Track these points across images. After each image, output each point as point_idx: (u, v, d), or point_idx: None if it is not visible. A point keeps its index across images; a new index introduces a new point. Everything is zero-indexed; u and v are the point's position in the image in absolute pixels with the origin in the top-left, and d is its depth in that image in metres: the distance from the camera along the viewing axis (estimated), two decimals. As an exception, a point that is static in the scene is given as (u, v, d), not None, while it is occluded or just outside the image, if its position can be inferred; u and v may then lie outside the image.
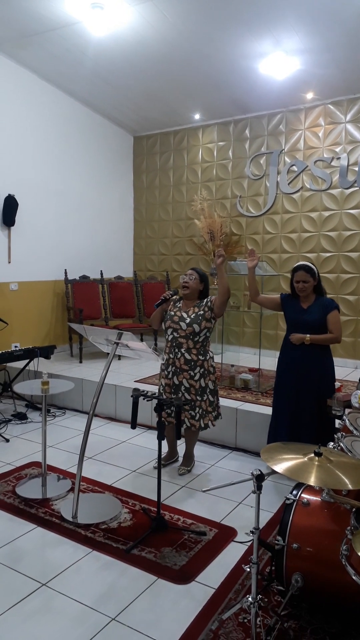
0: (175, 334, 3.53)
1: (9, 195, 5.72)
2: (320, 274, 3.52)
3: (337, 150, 5.98)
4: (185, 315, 3.53)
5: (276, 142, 6.42)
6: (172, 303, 3.67)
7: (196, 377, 3.54)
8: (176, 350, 3.54)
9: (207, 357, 3.60)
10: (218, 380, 5.00)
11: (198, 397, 3.56)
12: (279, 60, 5.10)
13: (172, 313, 3.58)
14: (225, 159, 6.85)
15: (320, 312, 3.41)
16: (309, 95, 5.90)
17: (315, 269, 3.43)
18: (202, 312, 3.51)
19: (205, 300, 3.58)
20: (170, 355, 3.57)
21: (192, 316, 3.51)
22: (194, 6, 4.46)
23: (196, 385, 3.55)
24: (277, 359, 3.65)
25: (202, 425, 3.60)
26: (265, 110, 6.41)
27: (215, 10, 4.48)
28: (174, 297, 3.69)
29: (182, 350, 3.52)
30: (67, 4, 4.48)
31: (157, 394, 3.61)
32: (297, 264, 3.48)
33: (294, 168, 6.28)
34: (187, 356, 3.53)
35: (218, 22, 4.65)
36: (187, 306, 3.59)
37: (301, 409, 3.45)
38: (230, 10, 4.47)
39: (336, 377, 3.58)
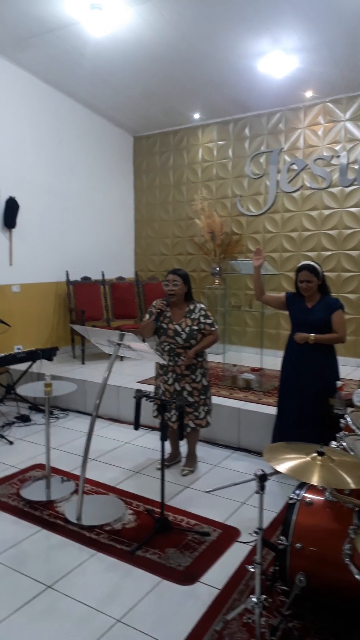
0: (172, 346, 3.53)
1: (10, 197, 5.72)
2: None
3: (337, 148, 5.97)
4: (179, 328, 3.50)
5: (276, 141, 6.41)
6: None
7: (198, 379, 3.57)
8: (175, 358, 3.54)
9: (204, 357, 3.64)
10: (220, 380, 5.04)
11: (202, 397, 3.59)
12: (277, 59, 5.09)
13: (165, 326, 3.54)
14: (225, 158, 6.85)
15: (325, 311, 3.41)
16: (308, 94, 5.89)
17: (319, 269, 3.43)
18: (196, 328, 3.49)
19: (197, 313, 3.52)
20: (170, 363, 3.56)
21: (186, 330, 3.48)
22: (193, 6, 4.45)
23: (199, 387, 3.57)
24: (279, 358, 3.67)
25: (209, 422, 3.64)
26: (265, 109, 6.40)
27: (214, 10, 4.47)
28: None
29: (182, 357, 3.52)
30: (65, 5, 4.48)
31: (156, 394, 3.63)
32: (301, 264, 3.48)
33: (294, 167, 6.28)
34: None
35: (216, 21, 4.64)
36: (177, 316, 3.55)
37: (305, 408, 3.45)
38: (228, 9, 4.46)
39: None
